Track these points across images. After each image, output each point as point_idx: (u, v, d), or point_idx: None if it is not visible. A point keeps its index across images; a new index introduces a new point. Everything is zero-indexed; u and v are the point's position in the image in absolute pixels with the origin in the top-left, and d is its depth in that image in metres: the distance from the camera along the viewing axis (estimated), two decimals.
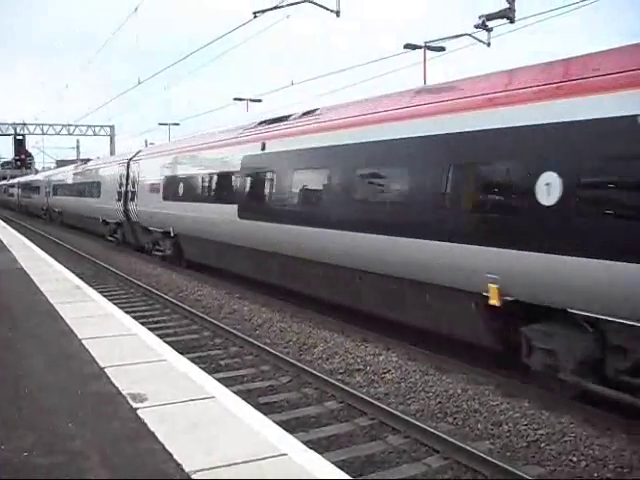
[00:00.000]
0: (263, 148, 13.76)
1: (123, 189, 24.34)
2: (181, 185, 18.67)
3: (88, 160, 38.01)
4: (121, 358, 5.36)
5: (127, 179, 24.04)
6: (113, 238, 27.19)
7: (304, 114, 13.49)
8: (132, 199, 23.10)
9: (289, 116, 14.15)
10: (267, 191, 13.76)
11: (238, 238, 14.74)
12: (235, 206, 14.65)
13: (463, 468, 6.18)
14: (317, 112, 12.97)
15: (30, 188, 53.21)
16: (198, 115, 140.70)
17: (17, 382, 4.79)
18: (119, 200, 24.68)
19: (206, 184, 17.11)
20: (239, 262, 15.69)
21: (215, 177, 16.46)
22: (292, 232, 12.30)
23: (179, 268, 19.40)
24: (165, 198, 19.79)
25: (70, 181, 37.10)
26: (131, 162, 24.08)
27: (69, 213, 36.84)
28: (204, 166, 17.32)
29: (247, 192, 14.56)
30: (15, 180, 64.78)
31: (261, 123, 15.30)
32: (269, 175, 13.62)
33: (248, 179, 14.53)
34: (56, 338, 6.16)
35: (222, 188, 15.94)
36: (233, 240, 15.11)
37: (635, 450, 6.32)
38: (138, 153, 24.74)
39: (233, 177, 15.20)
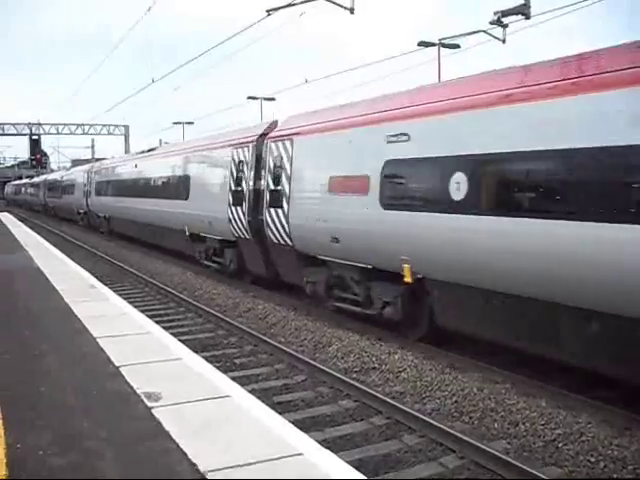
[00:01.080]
0: None
1: (246, 186, 15.09)
2: (461, 178, 8.46)
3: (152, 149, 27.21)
4: (136, 357, 5.37)
5: (256, 170, 14.80)
6: (214, 264, 17.86)
7: None
8: (274, 204, 13.58)
9: None
10: None
11: None
12: None
13: (479, 468, 6.14)
14: None
15: (59, 187, 43.15)
16: (210, 115, 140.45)
17: (33, 381, 4.81)
18: (236, 205, 15.49)
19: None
20: None
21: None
22: None
23: (195, 267, 19.31)
24: (389, 205, 10.02)
25: (126, 176, 26.78)
26: (269, 140, 14.23)
27: (123, 220, 27.04)
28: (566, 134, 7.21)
29: None
30: (40, 178, 56.50)
31: None
32: None
33: None
34: (71, 337, 6.19)
35: None
36: None
37: None
38: (274, 125, 14.93)
39: None
